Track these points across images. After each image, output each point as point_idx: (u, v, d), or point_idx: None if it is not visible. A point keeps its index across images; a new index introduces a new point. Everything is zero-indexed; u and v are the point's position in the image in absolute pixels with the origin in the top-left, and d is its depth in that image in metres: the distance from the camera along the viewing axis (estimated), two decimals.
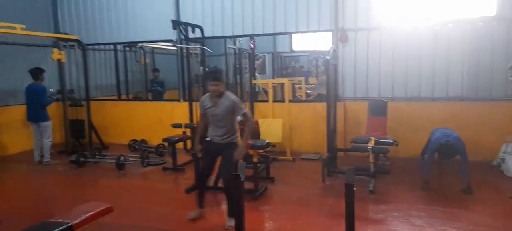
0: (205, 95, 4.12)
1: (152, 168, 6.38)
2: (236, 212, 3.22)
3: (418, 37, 6.57)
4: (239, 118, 4.03)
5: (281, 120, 6.79)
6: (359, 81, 6.98)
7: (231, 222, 4.01)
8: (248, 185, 4.89)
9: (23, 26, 6.47)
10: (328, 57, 5.81)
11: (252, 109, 7.32)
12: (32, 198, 5.30)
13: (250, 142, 4.84)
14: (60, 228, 2.71)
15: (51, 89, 7.36)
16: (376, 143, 5.18)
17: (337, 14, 6.89)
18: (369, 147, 5.05)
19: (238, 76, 7.86)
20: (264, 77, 10.44)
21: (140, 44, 9.39)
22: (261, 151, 4.96)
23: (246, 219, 3.83)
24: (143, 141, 7.83)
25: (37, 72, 6.73)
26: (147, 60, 10.53)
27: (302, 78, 8.82)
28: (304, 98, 8.46)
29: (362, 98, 6.90)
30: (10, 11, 7.57)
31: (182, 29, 7.02)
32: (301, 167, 6.35)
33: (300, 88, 8.88)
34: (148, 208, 4.59)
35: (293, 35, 10.60)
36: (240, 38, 8.09)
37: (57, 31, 8.47)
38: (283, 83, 7.66)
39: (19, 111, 7.53)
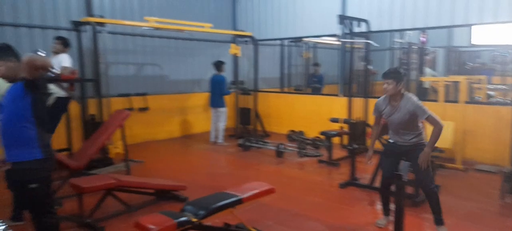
0: (381, 97, 3.78)
1: (308, 159, 6.62)
2: (395, 212, 3.07)
3: None
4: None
5: (453, 123, 6.01)
6: None
7: (382, 221, 3.84)
8: (409, 190, 4.57)
9: (211, 25, 7.63)
10: None
11: None
12: (208, 171, 6.26)
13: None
14: (233, 199, 3.17)
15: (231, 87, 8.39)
16: None
17: None
18: None
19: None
20: (435, 74, 9.41)
21: (305, 39, 9.79)
22: None
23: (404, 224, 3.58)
24: (301, 132, 8.17)
25: (219, 65, 7.83)
26: (310, 54, 10.91)
27: (483, 77, 7.56)
28: (484, 100, 7.25)
29: None
30: (198, 11, 8.99)
31: (347, 23, 6.99)
32: (474, 179, 5.51)
33: (479, 88, 7.64)
34: (302, 196, 4.80)
35: (473, 27, 9.17)
36: (409, 32, 7.51)
37: (235, 29, 9.63)
38: (458, 82, 6.74)
39: (202, 97, 8.97)
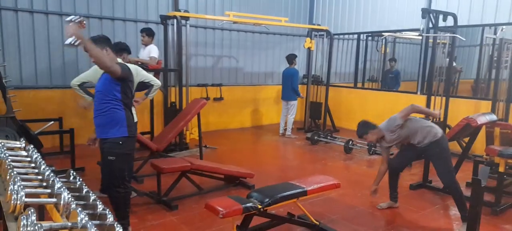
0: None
1: (378, 157, 6.42)
2: (469, 217, 2.90)
3: None
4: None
5: None
6: None
7: (463, 229, 3.64)
8: (488, 197, 4.23)
9: (287, 19, 7.74)
10: None
11: (507, 111, 6.11)
12: (276, 162, 6.43)
13: (497, 148, 4.14)
14: (298, 190, 3.27)
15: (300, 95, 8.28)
16: None
17: None
18: None
19: (493, 71, 6.67)
20: None
21: (383, 33, 9.41)
22: (510, 160, 4.14)
23: None
24: None
25: (291, 58, 7.92)
26: (388, 49, 10.43)
27: None
28: None
29: None
30: (276, 5, 9.14)
31: (432, 17, 6.55)
32: None
33: None
34: (369, 195, 4.71)
35: None
36: (503, 27, 6.80)
37: (311, 22, 9.61)
38: None
39: (274, 90, 9.16)
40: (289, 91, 7.89)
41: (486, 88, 8.09)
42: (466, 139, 4.83)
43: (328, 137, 7.48)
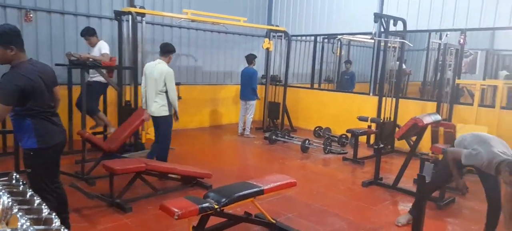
0: None
1: (333, 156, 6.63)
2: (415, 210, 3.08)
3: None
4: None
5: (486, 128, 5.80)
6: None
7: (403, 219, 3.84)
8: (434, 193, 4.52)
9: (245, 19, 7.76)
10: None
11: (450, 111, 6.56)
12: (234, 161, 6.45)
13: (441, 146, 4.44)
14: (255, 190, 3.29)
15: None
16: None
17: None
18: None
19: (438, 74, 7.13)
20: (474, 77, 9.06)
21: (338, 36, 9.72)
22: None
23: (425, 226, 3.57)
24: (328, 129, 8.18)
25: (251, 58, 7.95)
26: (343, 52, 10.80)
27: None
28: None
29: None
30: (235, 5, 9.13)
31: (383, 22, 6.88)
32: None
33: None
34: (325, 192, 4.86)
35: None
36: (448, 32, 7.28)
37: (269, 23, 9.71)
38: (496, 86, 6.49)
39: (232, 90, 9.16)
40: (248, 91, 7.92)
41: (432, 90, 8.62)
42: (414, 138, 5.11)
43: (286, 137, 7.61)
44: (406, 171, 4.85)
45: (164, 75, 4.83)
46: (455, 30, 6.83)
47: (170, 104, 4.92)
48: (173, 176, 4.63)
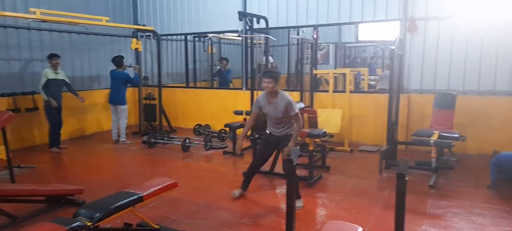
0: (261, 94, 4.29)
1: (214, 151, 6.77)
2: (286, 191, 3.36)
3: (495, 27, 6.06)
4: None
5: (341, 111, 6.74)
6: (427, 73, 6.65)
7: (299, 203, 4.19)
8: (304, 172, 5.03)
9: (108, 18, 7.22)
10: (393, 47, 5.63)
11: (312, 99, 7.37)
12: (111, 171, 5.99)
13: (306, 130, 4.96)
14: (133, 197, 3.13)
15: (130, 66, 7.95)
16: (440, 137, 4.93)
17: (406, 2, 6.60)
18: (431, 141, 4.84)
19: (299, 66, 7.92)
20: (328, 67, 10.36)
21: (208, 34, 9.89)
22: (317, 140, 5.02)
23: None
24: (207, 126, 8.30)
25: (119, 60, 7.43)
26: (214, 50, 11.03)
27: (365, 69, 8.60)
28: (366, 89, 8.26)
29: (428, 91, 6.57)
30: (97, 4, 8.45)
31: (247, 20, 7.28)
32: (359, 158, 6.28)
33: (363, 79, 8.68)
34: (209, 187, 4.94)
35: (360, 25, 10.31)
36: (304, 28, 8.14)
37: (136, 23, 9.26)
38: (345, 73, 7.56)
39: (102, 94, 8.47)
40: (118, 95, 7.43)
41: (296, 81, 9.54)
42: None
43: (165, 138, 7.43)
44: (280, 155, 5.26)
45: None
46: (309, 26, 7.69)
47: None
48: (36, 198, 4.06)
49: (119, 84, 7.40)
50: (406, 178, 2.78)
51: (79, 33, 8.04)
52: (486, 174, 4.92)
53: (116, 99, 7.45)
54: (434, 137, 4.92)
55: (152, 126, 8.51)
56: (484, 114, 6.16)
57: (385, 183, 5.00)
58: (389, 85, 5.63)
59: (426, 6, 6.51)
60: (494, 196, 4.44)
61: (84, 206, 3.05)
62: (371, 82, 8.75)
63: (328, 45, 11.03)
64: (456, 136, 5.15)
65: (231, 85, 9.88)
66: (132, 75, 7.70)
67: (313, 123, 6.03)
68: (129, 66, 7.83)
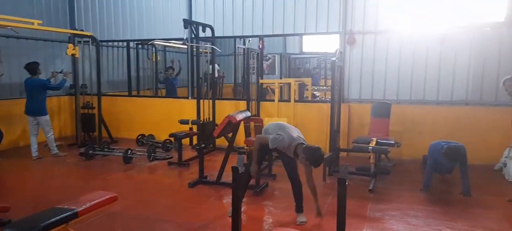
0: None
1: (158, 162, 6.54)
2: (232, 199, 3.33)
3: (425, 41, 6.61)
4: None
5: (286, 119, 6.87)
6: (365, 83, 7.04)
7: (302, 218, 4.07)
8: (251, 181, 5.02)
9: (40, 22, 6.69)
10: (334, 59, 5.88)
11: (258, 108, 7.45)
12: (42, 187, 5.52)
13: (253, 139, 4.99)
14: (66, 214, 2.90)
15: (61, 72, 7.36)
16: (378, 143, 5.23)
17: (346, 16, 6.96)
18: (369, 148, 5.11)
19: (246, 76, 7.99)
20: (274, 77, 10.57)
21: (152, 42, 9.61)
22: None
23: (246, 212, 3.94)
24: (151, 136, 8.02)
25: (34, 66, 6.71)
26: (159, 57, 10.75)
27: (309, 79, 8.92)
28: (309, 99, 8.54)
29: (367, 100, 6.96)
30: (28, 6, 7.84)
31: (193, 28, 7.19)
32: None
33: (307, 89, 8.98)
34: (153, 199, 4.75)
35: (304, 37, 10.71)
36: (250, 39, 8.23)
37: (72, 27, 8.74)
38: (289, 83, 7.76)
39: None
40: (38, 104, 6.75)
41: (242, 90, 9.60)
42: (230, 134, 5.56)
43: (105, 149, 7.03)
44: (228, 165, 5.22)
45: None
46: (254, 36, 7.81)
47: None
48: None
49: (36, 92, 6.72)
50: (347, 183, 2.91)
51: (8, 37, 7.40)
52: (419, 177, 5.30)
53: (35, 109, 6.76)
54: (372, 144, 5.20)
55: (91, 136, 8.03)
56: (416, 122, 6.66)
57: (329, 189, 5.17)
58: (331, 95, 5.86)
59: (363, 21, 6.92)
60: (426, 198, 4.78)
61: (10, 225, 2.78)
62: (315, 93, 9.08)
63: (274, 55, 11.27)
64: (391, 142, 5.49)
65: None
66: (59, 81, 7.11)
67: (260, 131, 6.07)
68: (60, 72, 7.32)
